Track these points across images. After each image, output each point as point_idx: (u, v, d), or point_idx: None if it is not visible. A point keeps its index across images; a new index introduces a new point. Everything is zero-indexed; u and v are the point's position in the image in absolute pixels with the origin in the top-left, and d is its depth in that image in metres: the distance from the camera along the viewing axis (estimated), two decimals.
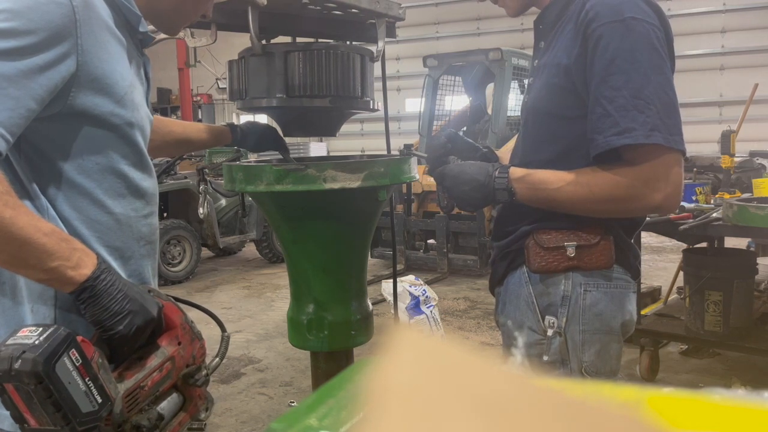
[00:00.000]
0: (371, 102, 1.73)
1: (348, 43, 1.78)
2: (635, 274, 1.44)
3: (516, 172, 1.37)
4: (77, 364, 0.92)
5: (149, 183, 1.22)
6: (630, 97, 1.22)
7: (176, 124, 1.72)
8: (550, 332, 1.38)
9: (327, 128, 1.80)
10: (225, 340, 1.33)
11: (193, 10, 1.30)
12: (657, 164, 1.25)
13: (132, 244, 1.18)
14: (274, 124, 1.84)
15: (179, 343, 1.13)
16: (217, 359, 1.28)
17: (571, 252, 1.36)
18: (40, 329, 0.92)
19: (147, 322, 1.06)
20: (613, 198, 1.29)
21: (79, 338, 0.94)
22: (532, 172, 1.36)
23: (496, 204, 1.44)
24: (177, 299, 1.20)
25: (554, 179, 1.33)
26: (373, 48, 1.74)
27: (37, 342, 0.89)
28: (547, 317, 1.39)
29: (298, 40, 1.80)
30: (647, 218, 3.29)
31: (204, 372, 1.20)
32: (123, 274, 1.15)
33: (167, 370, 1.11)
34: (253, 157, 3.73)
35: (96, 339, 1.02)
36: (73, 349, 0.92)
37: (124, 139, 1.14)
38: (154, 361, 1.08)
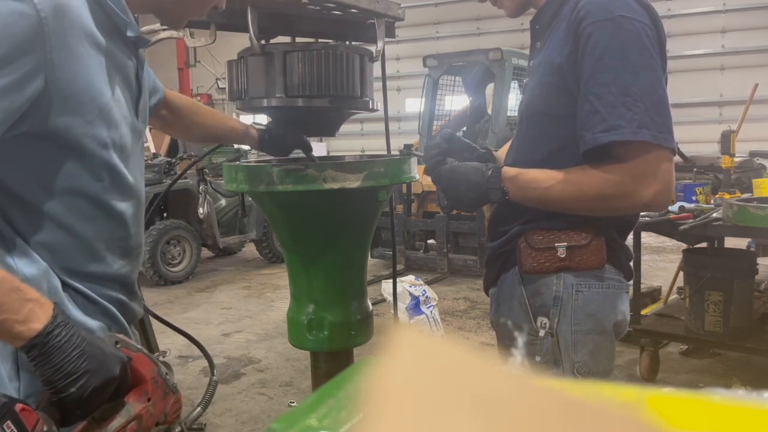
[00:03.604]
0: (371, 102, 1.73)
1: (347, 43, 1.78)
2: (628, 274, 1.44)
3: (508, 171, 1.38)
4: None
5: (128, 205, 1.12)
6: (618, 94, 1.23)
7: (210, 117, 1.73)
8: (542, 333, 1.39)
9: (326, 128, 1.80)
10: (212, 386, 1.20)
11: (202, 3, 1.21)
12: (645, 161, 1.25)
13: (103, 268, 1.10)
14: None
15: (149, 400, 1.01)
16: (199, 408, 1.16)
17: (561, 253, 1.36)
18: None
19: (105, 383, 0.94)
20: (603, 195, 1.29)
21: (19, 407, 0.85)
22: (524, 171, 1.37)
23: (490, 204, 1.44)
24: (173, 327, 1.10)
25: (545, 178, 1.33)
26: (372, 48, 1.74)
27: None
28: (539, 318, 1.39)
29: (298, 40, 1.81)
30: (647, 218, 3.32)
31: (178, 429, 1.09)
32: (93, 296, 1.08)
33: (132, 430, 0.99)
34: (253, 158, 3.74)
35: (46, 401, 0.92)
36: (9, 421, 0.82)
37: (96, 160, 1.04)
38: (116, 421, 0.97)
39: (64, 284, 1.05)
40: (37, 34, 0.91)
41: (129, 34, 1.09)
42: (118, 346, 1.01)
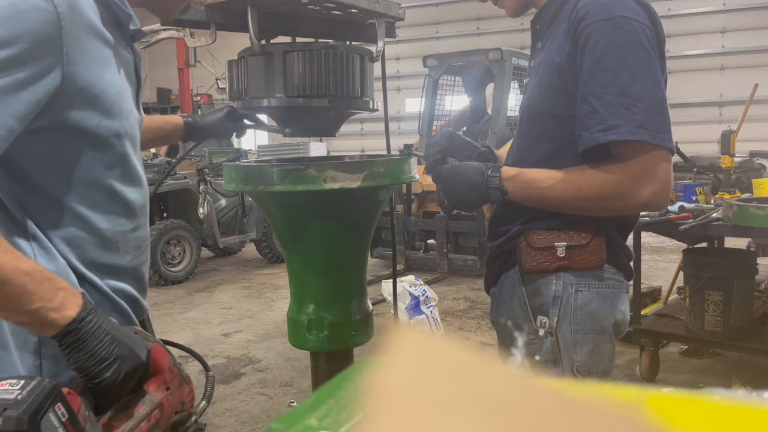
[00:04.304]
0: (371, 102, 1.73)
1: (348, 43, 1.78)
2: (628, 274, 1.44)
3: (508, 171, 1.38)
4: (63, 420, 0.84)
5: (137, 194, 1.15)
6: (617, 95, 1.23)
7: None
8: (541, 332, 1.39)
9: (326, 128, 1.80)
10: (210, 381, 1.23)
11: None
12: (644, 161, 1.25)
13: (117, 259, 1.12)
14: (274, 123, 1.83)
15: (168, 389, 1.04)
16: (204, 402, 1.18)
17: (561, 252, 1.36)
18: (23, 382, 0.83)
19: (136, 368, 0.97)
20: (602, 195, 1.30)
21: (65, 390, 0.87)
22: (523, 171, 1.37)
23: (491, 203, 1.45)
24: (164, 341, 1.12)
25: (544, 178, 1.34)
26: (372, 48, 1.74)
27: (19, 397, 0.80)
28: (539, 317, 1.40)
29: (298, 40, 1.81)
30: (647, 218, 3.32)
31: (193, 419, 1.11)
32: (108, 291, 1.10)
33: (156, 419, 1.00)
34: (253, 157, 3.74)
35: (81, 388, 0.94)
36: (59, 403, 0.84)
37: (111, 151, 1.07)
38: (141, 409, 0.99)
39: (81, 278, 1.07)
40: (55, 29, 0.93)
41: (131, 27, 1.12)
42: (138, 336, 1.03)
